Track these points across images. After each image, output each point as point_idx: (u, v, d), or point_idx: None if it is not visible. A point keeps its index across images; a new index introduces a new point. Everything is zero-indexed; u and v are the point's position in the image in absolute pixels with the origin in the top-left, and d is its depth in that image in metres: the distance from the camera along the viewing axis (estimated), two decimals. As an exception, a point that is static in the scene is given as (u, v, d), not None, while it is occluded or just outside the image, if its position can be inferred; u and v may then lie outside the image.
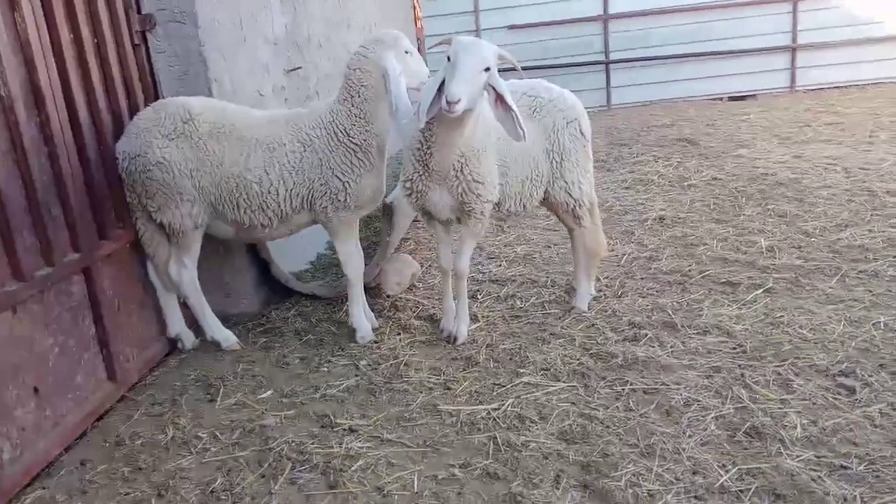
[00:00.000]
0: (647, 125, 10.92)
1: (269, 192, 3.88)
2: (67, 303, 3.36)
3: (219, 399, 3.60)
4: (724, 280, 4.80)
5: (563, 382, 3.64)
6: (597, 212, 4.61)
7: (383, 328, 4.37)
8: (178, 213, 3.84)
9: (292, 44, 6.04)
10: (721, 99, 12.91)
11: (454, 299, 4.24)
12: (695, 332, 4.11)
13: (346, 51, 7.78)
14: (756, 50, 12.73)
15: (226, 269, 4.61)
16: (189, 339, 4.21)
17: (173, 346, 4.23)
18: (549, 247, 5.92)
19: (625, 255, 5.47)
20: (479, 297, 4.89)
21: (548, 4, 13.19)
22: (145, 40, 4.20)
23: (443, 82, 3.34)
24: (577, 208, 4.35)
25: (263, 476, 2.97)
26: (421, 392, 3.59)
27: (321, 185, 3.92)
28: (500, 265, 5.53)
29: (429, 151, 3.65)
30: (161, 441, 3.27)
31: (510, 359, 3.93)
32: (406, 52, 3.92)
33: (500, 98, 3.46)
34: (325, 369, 3.90)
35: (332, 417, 3.37)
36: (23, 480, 2.90)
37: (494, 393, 3.57)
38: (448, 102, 3.22)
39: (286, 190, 3.90)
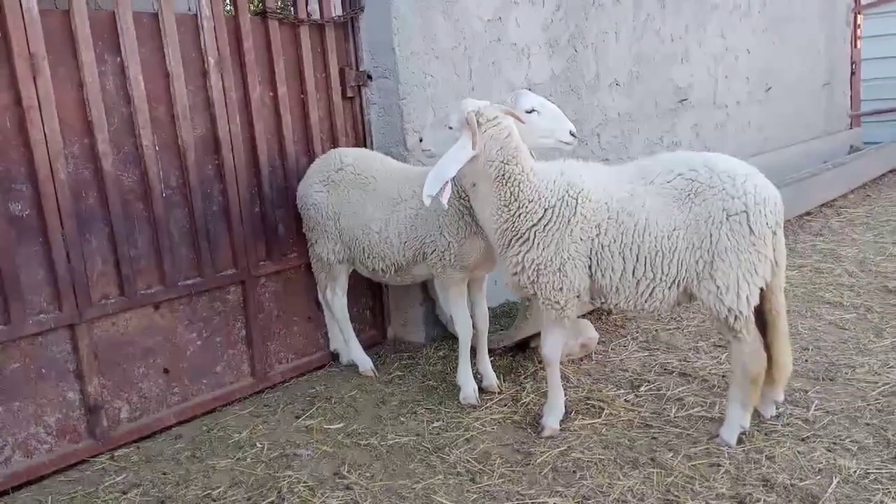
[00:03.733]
0: None
1: (386, 243, 4.13)
2: (220, 307, 4.24)
3: (302, 418, 4.07)
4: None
5: (590, 521, 3.05)
6: (780, 325, 3.55)
7: (494, 395, 4.22)
8: (325, 248, 4.41)
9: (564, 87, 6.01)
10: None
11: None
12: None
13: (672, 86, 7.31)
14: None
15: (404, 301, 5.03)
16: (346, 356, 4.77)
17: (334, 357, 4.85)
18: (806, 349, 4.68)
19: (886, 385, 4.02)
20: (640, 389, 4.26)
21: None
22: (360, 94, 4.83)
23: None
24: (732, 319, 3.44)
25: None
26: (441, 473, 3.45)
27: (432, 241, 4.00)
28: (717, 358, 4.63)
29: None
30: (228, 439, 3.91)
31: (571, 472, 3.42)
32: (530, 111, 3.69)
33: None
34: (403, 419, 4.00)
35: (345, 468, 3.52)
36: (130, 437, 3.86)
37: (507, 503, 3.21)
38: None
39: (401, 242, 4.09)
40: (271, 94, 4.39)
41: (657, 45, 7.06)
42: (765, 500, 3.06)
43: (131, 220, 3.80)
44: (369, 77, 4.80)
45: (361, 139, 4.88)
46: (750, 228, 3.31)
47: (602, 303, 3.62)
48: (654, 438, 3.69)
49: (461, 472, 3.45)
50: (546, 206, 3.45)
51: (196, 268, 4.10)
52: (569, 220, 3.42)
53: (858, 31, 11.56)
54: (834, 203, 8.97)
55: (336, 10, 4.65)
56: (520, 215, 3.46)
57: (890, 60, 11.00)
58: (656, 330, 5.15)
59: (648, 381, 4.33)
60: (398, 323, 5.14)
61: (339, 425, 3.99)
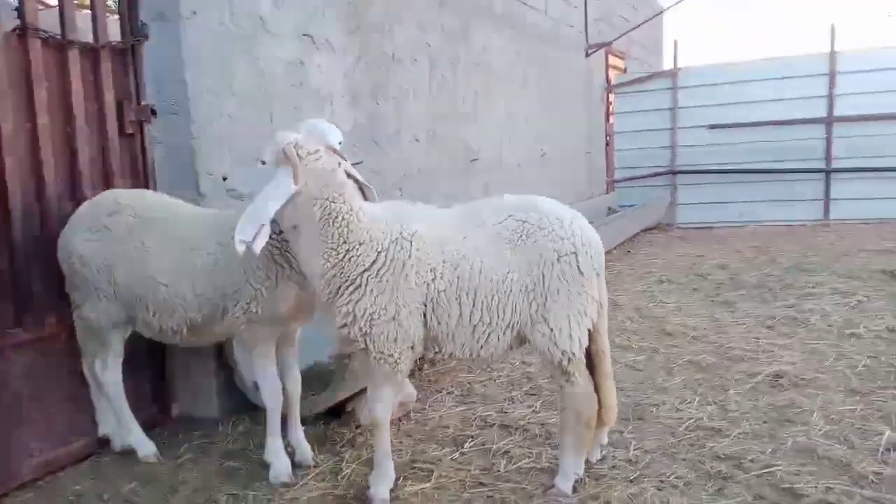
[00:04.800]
0: (857, 248, 8.93)
1: (178, 298, 3.52)
2: (-48, 389, 3.28)
3: (67, 524, 3.23)
4: (785, 486, 3.36)
5: None
6: (605, 367, 3.51)
7: (310, 470, 3.70)
8: (95, 310, 3.65)
9: (367, 139, 5.81)
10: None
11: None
12: (680, 563, 2.84)
13: (465, 145, 7.45)
14: None
15: (194, 370, 4.34)
16: (120, 440, 3.94)
17: (104, 444, 3.99)
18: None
19: (689, 420, 4.17)
20: (464, 445, 4.00)
21: (758, 104, 11.65)
22: (142, 130, 4.19)
23: None
24: (565, 362, 3.33)
25: None
26: (259, 569, 2.87)
27: (235, 292, 3.46)
28: (532, 406, 4.54)
29: None
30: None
31: (412, 546, 3.03)
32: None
33: None
34: (200, 510, 3.34)
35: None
36: None
37: None
38: None
39: (195, 295, 3.51)
40: (29, 125, 3.62)
41: (451, 105, 7.21)
42: (610, 547, 2.91)
43: None
44: (153, 112, 4.19)
45: (143, 181, 4.21)
46: (579, 269, 3.27)
47: (435, 352, 3.34)
48: (490, 497, 3.43)
49: (282, 566, 2.90)
50: (379, 249, 3.13)
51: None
52: (403, 264, 3.12)
53: (611, 107, 13.01)
54: (604, 259, 9.74)
55: (114, 34, 4.02)
56: (350, 259, 3.10)
57: (638, 133, 12.46)
58: (470, 383, 4.99)
59: (472, 437, 4.11)
60: (186, 397, 4.40)
61: (119, 527, 3.21)
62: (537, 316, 3.25)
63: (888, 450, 3.62)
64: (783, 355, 5.21)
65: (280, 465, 3.59)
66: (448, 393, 4.80)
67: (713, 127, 11.96)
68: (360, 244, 3.12)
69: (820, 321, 5.98)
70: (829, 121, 11.14)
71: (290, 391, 3.78)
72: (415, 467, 3.72)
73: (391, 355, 3.18)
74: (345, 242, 3.10)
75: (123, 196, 3.72)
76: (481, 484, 3.57)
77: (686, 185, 12.04)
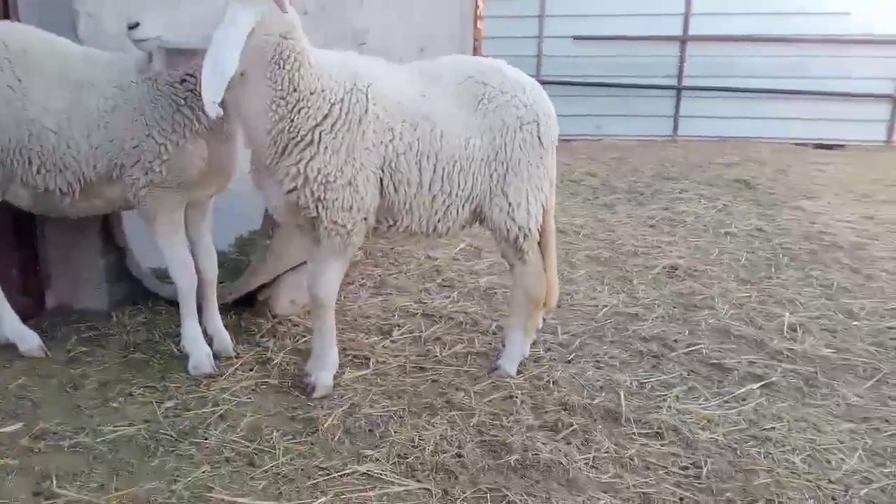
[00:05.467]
0: (707, 161, 9.53)
1: (69, 146, 2.92)
2: None
3: (-54, 424, 2.65)
4: (713, 361, 3.53)
5: (416, 482, 2.51)
6: (552, 246, 3.44)
7: (234, 361, 3.33)
8: None
9: None
10: (806, 145, 11.25)
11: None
12: (642, 431, 2.89)
13: (350, 27, 6.90)
14: (855, 95, 11.03)
15: (75, 254, 3.70)
16: (-5, 333, 3.30)
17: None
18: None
19: (605, 307, 4.25)
20: (393, 334, 3.79)
21: (620, 18, 11.90)
22: (-2, -46, 3.34)
23: None
24: (521, 238, 3.19)
25: None
26: (207, 463, 2.53)
27: (135, 146, 2.93)
28: (450, 297, 4.40)
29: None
30: None
31: (368, 432, 2.82)
32: None
33: None
34: (116, 405, 2.89)
35: (54, 481, 2.35)
36: None
37: (309, 482, 2.47)
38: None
39: (91, 147, 2.93)
40: None
41: (338, -20, 6.59)
42: (576, 423, 2.91)
43: None
44: (11, -69, 3.35)
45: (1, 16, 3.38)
46: (539, 140, 3.13)
47: (389, 226, 3.05)
48: (435, 381, 3.30)
49: (233, 458, 2.58)
50: (332, 101, 2.74)
51: None
52: (360, 120, 2.77)
53: (479, 10, 12.72)
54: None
55: None
56: (300, 110, 2.69)
57: (505, 40, 12.34)
58: (380, 275, 4.75)
59: (398, 326, 3.92)
60: (64, 286, 3.76)
61: (16, 426, 2.69)
62: (497, 188, 3.08)
63: (792, 329, 3.92)
64: (671, 251, 5.47)
65: (200, 355, 3.19)
66: (361, 285, 4.54)
67: (577, 38, 12.11)
68: (312, 93, 2.72)
69: (695, 221, 6.35)
70: (683, 39, 11.67)
71: (204, 273, 3.34)
72: (349, 354, 3.48)
73: (344, 226, 2.86)
74: (295, 90, 2.68)
75: None
76: (421, 369, 3.42)
77: (550, 96, 12.20)
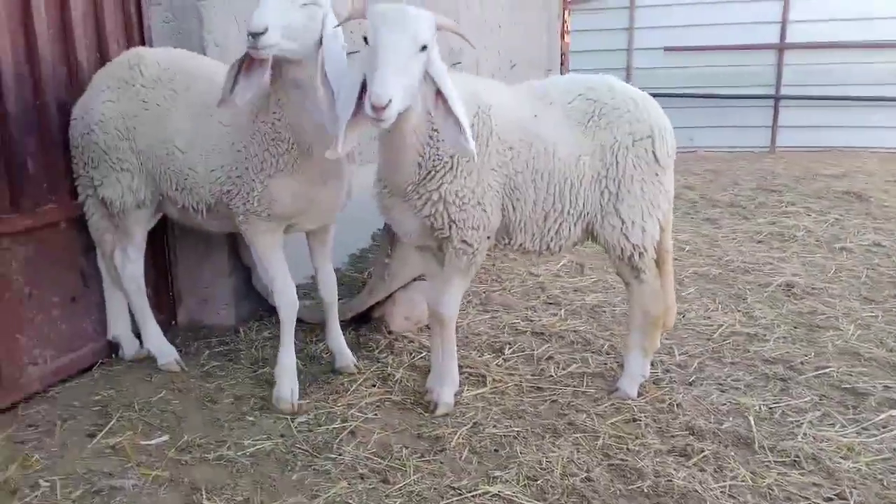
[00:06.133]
0: (812, 173, 9.14)
1: (190, 168, 3.05)
2: (-57, 285, 2.73)
3: (99, 436, 2.81)
4: (846, 385, 3.36)
5: (548, 505, 2.49)
6: (669, 265, 3.37)
7: (356, 376, 3.40)
8: (117, 189, 3.17)
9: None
10: (917, 155, 10.65)
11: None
12: (777, 459, 2.78)
13: (446, 47, 6.97)
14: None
15: (205, 271, 3.88)
16: (131, 346, 3.50)
17: (114, 350, 3.53)
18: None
19: (720, 327, 4.12)
20: (505, 352, 3.80)
21: (713, 27, 11.60)
22: (138, -9, 3.57)
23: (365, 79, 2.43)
24: (636, 257, 3.15)
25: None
26: (343, 479, 2.59)
27: (237, 176, 2.98)
28: (556, 315, 4.37)
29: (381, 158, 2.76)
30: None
31: (494, 451, 2.82)
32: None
33: (439, 94, 2.50)
34: (252, 419, 3.00)
35: (203, 494, 2.46)
36: None
37: (442, 502, 2.49)
38: (374, 108, 2.28)
39: (207, 170, 3.03)
40: (11, -33, 2.96)
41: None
42: (707, 449, 2.82)
43: None
44: (149, -30, 3.57)
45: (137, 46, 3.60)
46: (654, 156, 3.07)
47: (505, 244, 3.07)
48: (555, 402, 3.27)
49: (367, 475, 2.63)
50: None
51: None
52: (487, 142, 2.81)
53: (566, 25, 12.67)
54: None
55: None
56: (444, 138, 2.74)
57: (593, 53, 12.23)
58: (485, 292, 4.77)
59: (508, 344, 3.92)
60: (193, 301, 3.95)
61: (163, 438, 2.82)
62: (609, 206, 3.05)
63: (929, 352, 3.69)
64: (784, 267, 5.27)
65: (286, 389, 3.08)
66: (468, 302, 4.56)
67: (668, 49, 11.87)
68: None
69: (806, 236, 6.09)
70: (780, 47, 11.26)
71: (326, 297, 3.43)
72: (464, 372, 3.50)
73: (471, 245, 2.89)
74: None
75: (148, 50, 3.20)
76: (538, 388, 3.41)
77: (639, 107, 11.99)
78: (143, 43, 3.60)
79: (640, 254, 3.14)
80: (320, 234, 3.40)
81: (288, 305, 3.11)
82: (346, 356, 3.47)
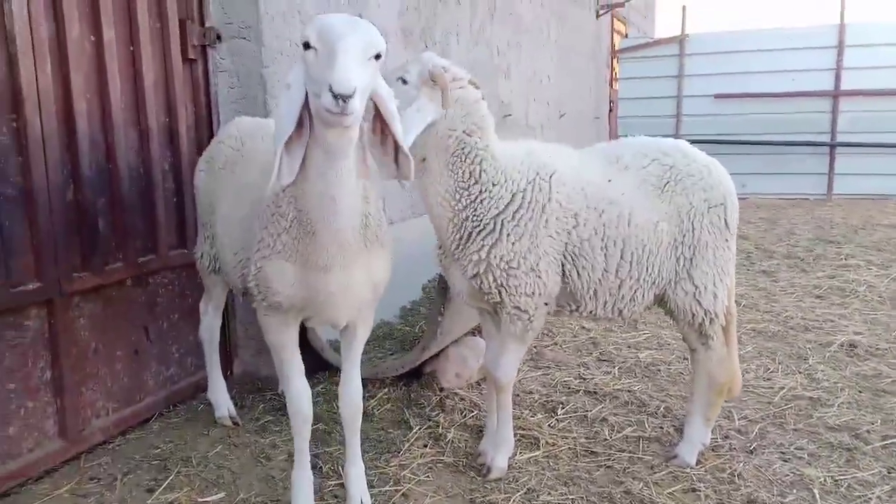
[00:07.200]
0: (871, 222, 8.91)
1: (222, 247, 3.01)
2: (15, 338, 2.84)
3: (157, 492, 2.85)
4: (920, 459, 3.21)
5: (606, 581, 2.42)
6: (733, 331, 3.30)
7: (409, 435, 3.39)
8: (200, 250, 3.33)
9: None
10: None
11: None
12: (848, 540, 2.65)
13: (496, 101, 7.08)
14: None
15: (257, 324, 3.93)
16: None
17: (170, 404, 3.60)
18: (684, 358, 4.56)
19: (781, 389, 4.00)
20: (558, 412, 3.74)
21: (764, 74, 11.54)
22: (205, 56, 3.73)
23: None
24: (707, 323, 3.09)
25: None
26: (398, 545, 2.57)
27: (247, 257, 2.62)
28: (610, 372, 4.31)
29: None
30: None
31: (549, 519, 2.77)
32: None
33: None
34: (306, 478, 3.00)
35: (259, 556, 2.47)
36: None
37: (496, 574, 2.45)
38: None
39: (232, 252, 2.85)
40: (93, 37, 3.14)
41: (488, 55, 6.83)
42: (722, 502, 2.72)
43: None
44: (219, 37, 3.73)
45: (204, 114, 3.76)
46: (726, 222, 3.04)
47: (571, 310, 3.04)
48: (610, 468, 3.20)
49: (422, 541, 2.60)
50: (514, 191, 2.79)
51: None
52: (543, 208, 2.81)
53: (615, 73, 12.73)
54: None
55: (179, -58, 3.54)
56: (482, 201, 2.76)
57: (642, 101, 12.24)
58: (536, 347, 4.73)
59: (561, 403, 3.86)
60: (249, 354, 4.03)
61: (219, 496, 2.85)
62: (683, 272, 3.00)
63: None
64: (846, 325, 5.10)
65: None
66: (518, 356, 4.53)
67: (718, 97, 11.83)
68: (494, 185, 2.79)
69: (868, 291, 5.91)
70: (835, 94, 11.11)
71: (341, 409, 2.75)
72: (517, 433, 3.44)
73: (526, 311, 2.88)
74: (476, 182, 2.76)
75: (242, 121, 3.27)
76: (592, 453, 3.34)
77: (690, 154, 11.92)
78: (209, 108, 3.75)
79: (711, 320, 3.09)
80: (346, 333, 2.76)
81: (298, 417, 2.63)
82: (354, 496, 2.76)
